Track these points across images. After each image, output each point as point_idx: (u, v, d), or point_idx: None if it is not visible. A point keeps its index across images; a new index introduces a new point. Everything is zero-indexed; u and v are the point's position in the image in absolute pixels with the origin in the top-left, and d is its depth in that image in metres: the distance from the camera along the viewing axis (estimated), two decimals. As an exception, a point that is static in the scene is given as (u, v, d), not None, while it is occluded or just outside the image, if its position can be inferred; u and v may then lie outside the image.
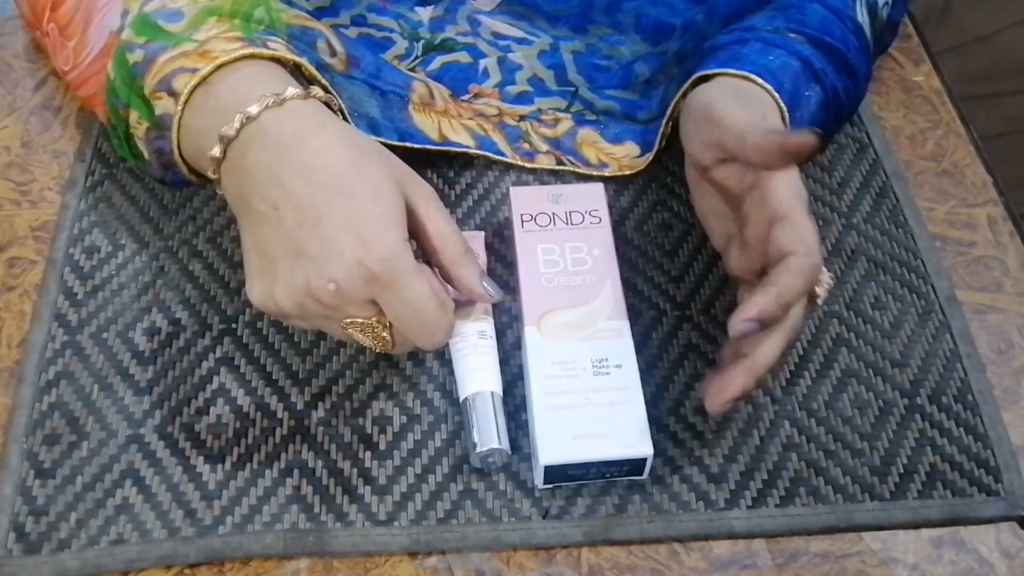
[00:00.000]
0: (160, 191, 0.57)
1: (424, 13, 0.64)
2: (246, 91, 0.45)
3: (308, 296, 0.42)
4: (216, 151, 0.45)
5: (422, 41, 0.62)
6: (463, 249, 0.46)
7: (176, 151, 0.48)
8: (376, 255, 0.41)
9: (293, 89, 0.45)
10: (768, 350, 0.44)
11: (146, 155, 0.50)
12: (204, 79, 0.46)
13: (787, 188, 0.45)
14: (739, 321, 0.42)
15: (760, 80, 0.50)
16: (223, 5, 0.49)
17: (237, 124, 0.44)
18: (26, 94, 0.62)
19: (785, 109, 0.50)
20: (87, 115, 0.61)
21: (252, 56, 0.47)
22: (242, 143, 0.44)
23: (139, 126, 0.49)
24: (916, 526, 0.47)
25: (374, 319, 0.44)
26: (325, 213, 0.42)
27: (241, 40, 0.47)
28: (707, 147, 0.48)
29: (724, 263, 0.50)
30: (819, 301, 0.46)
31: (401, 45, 0.62)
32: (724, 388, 0.43)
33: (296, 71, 0.49)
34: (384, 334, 0.44)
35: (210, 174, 0.46)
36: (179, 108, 0.46)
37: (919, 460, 0.48)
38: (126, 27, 0.49)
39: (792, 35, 0.53)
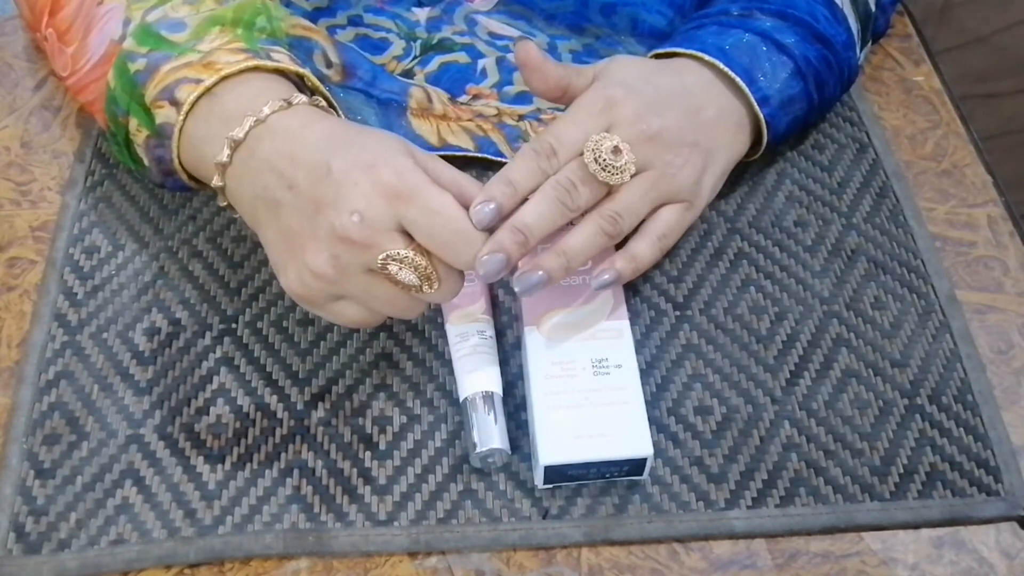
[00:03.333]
0: (160, 191, 0.57)
1: (421, 13, 0.64)
2: (251, 99, 0.46)
3: (338, 241, 0.42)
4: (224, 155, 0.45)
5: (419, 41, 0.62)
6: (478, 191, 0.45)
7: (176, 159, 0.48)
8: (389, 172, 0.42)
9: (300, 96, 0.46)
10: (574, 236, 0.46)
11: (146, 162, 0.50)
12: (208, 90, 0.46)
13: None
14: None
15: (708, 58, 0.52)
16: (226, 14, 0.49)
17: (247, 127, 0.44)
18: (26, 94, 0.62)
19: (740, 81, 0.52)
20: (87, 115, 0.61)
21: (256, 68, 0.47)
22: (249, 144, 0.45)
23: (139, 134, 0.49)
24: (916, 526, 0.47)
25: (410, 249, 0.42)
26: (333, 162, 0.42)
27: (245, 52, 0.47)
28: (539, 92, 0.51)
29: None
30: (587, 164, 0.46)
31: (398, 45, 0.62)
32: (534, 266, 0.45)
33: (299, 82, 0.50)
34: (423, 263, 0.42)
35: (215, 181, 0.46)
36: (181, 118, 0.47)
37: (919, 460, 0.48)
38: (128, 36, 0.49)
39: (755, 13, 0.54)
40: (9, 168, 0.59)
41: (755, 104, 0.52)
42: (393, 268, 0.42)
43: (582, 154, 0.46)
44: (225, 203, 0.47)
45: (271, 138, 0.44)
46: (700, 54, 0.52)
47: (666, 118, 0.48)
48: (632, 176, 0.46)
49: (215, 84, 0.46)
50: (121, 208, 0.56)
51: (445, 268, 0.43)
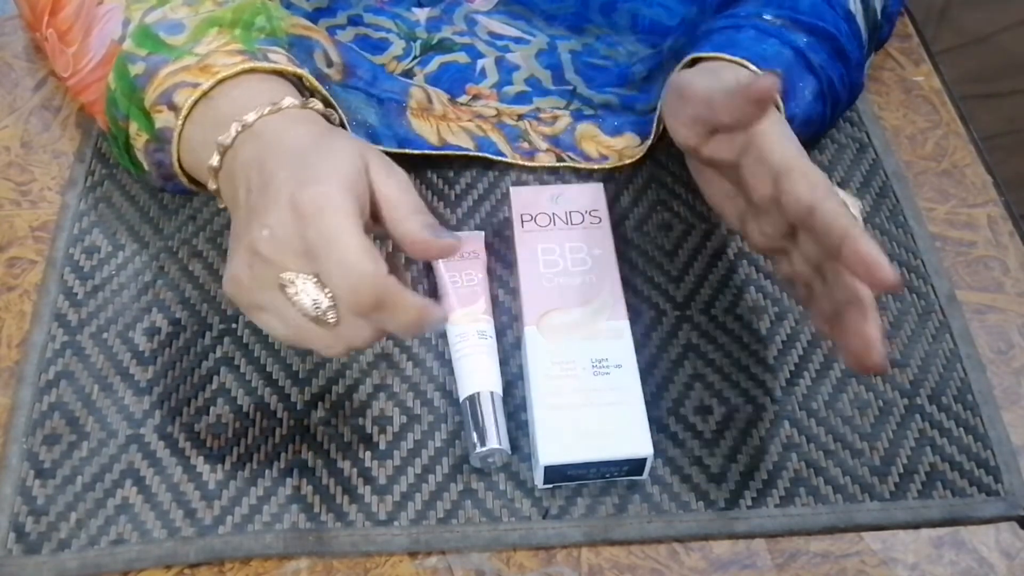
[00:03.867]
0: (161, 191, 0.57)
1: (421, 13, 0.64)
2: (246, 103, 0.45)
3: (250, 252, 0.40)
4: (214, 160, 0.45)
5: (419, 41, 0.63)
6: (410, 210, 0.42)
7: (176, 163, 0.48)
8: (307, 194, 0.39)
9: (290, 99, 0.45)
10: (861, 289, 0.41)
11: (145, 166, 0.50)
12: (205, 94, 0.46)
13: (779, 140, 0.44)
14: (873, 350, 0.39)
15: (754, 67, 0.50)
16: (224, 15, 0.49)
17: (233, 132, 0.44)
18: (26, 94, 0.62)
19: (778, 98, 0.50)
20: (87, 115, 0.61)
21: (253, 70, 0.47)
22: (235, 149, 0.44)
23: (139, 137, 0.49)
24: (916, 526, 0.47)
25: (310, 279, 0.40)
26: (278, 173, 0.41)
27: (242, 54, 0.47)
28: (687, 127, 0.48)
29: (748, 243, 0.48)
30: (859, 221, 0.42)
31: (398, 46, 0.62)
32: (870, 340, 0.40)
33: (298, 82, 0.49)
34: (319, 297, 0.40)
35: (210, 185, 0.46)
36: (179, 122, 0.46)
37: (919, 460, 0.48)
38: (127, 37, 0.49)
39: (785, 23, 0.52)
40: (9, 168, 0.59)
41: None
42: (291, 291, 0.40)
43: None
44: (223, 205, 0.47)
45: (253, 143, 0.44)
46: (745, 62, 0.50)
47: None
48: None
49: (212, 88, 0.46)
50: (121, 208, 0.56)
51: (343, 307, 0.40)
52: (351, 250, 0.38)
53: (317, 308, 0.40)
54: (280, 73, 0.48)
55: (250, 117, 0.44)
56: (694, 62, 0.52)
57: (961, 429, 0.49)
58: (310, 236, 0.39)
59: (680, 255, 0.55)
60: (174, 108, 0.47)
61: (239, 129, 0.44)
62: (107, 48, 0.50)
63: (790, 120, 0.51)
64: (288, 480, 0.47)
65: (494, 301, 0.53)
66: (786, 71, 0.51)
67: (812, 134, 0.55)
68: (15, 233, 0.56)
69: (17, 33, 0.66)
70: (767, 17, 0.53)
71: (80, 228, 0.55)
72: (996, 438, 0.49)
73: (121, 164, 0.53)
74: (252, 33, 0.49)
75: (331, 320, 0.40)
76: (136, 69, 0.48)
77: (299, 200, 0.39)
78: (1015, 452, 0.49)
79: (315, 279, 0.40)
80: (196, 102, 0.46)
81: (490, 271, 0.54)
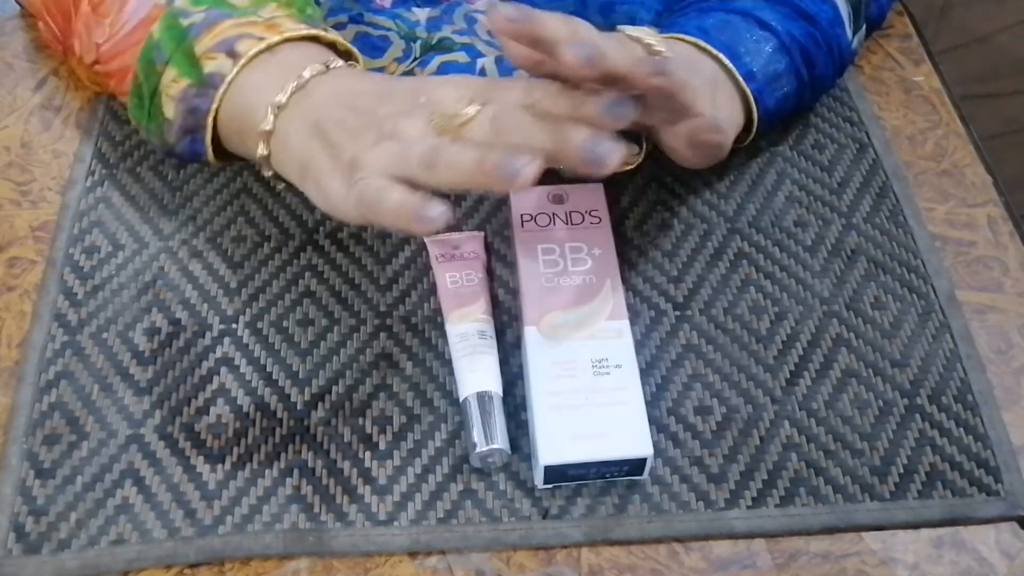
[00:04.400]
0: (160, 191, 0.57)
1: (421, 13, 0.64)
2: (313, 56, 0.49)
3: (399, 113, 0.44)
4: (282, 97, 0.47)
5: (419, 41, 0.63)
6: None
7: (213, 112, 0.50)
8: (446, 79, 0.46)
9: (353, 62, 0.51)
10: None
11: (171, 115, 0.51)
12: (269, 47, 0.49)
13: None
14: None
15: (688, 37, 0.53)
16: None
17: (313, 71, 0.48)
18: (26, 94, 0.62)
19: (723, 56, 0.53)
20: (87, 115, 0.61)
21: (316, 38, 0.51)
22: (308, 88, 0.47)
23: (175, 84, 0.50)
24: (916, 526, 0.47)
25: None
26: (395, 84, 0.46)
27: (304, 24, 0.51)
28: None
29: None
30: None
31: (398, 46, 0.62)
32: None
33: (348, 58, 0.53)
34: (456, 122, 0.44)
35: (265, 125, 0.48)
36: (236, 69, 0.49)
37: (919, 460, 0.48)
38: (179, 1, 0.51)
39: None
40: (9, 168, 0.59)
41: (740, 79, 0.52)
42: (437, 121, 0.43)
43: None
44: (266, 151, 0.49)
45: (332, 82, 0.48)
46: (681, 36, 0.53)
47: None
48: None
49: (278, 43, 0.49)
50: (121, 208, 0.56)
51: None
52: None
53: (449, 128, 0.43)
54: (334, 47, 0.52)
55: (334, 62, 0.49)
56: None
57: (961, 429, 0.49)
58: (473, 85, 0.44)
59: (680, 255, 0.55)
60: (233, 55, 0.49)
61: (319, 70, 0.48)
62: (147, 11, 0.51)
63: (750, 76, 0.53)
64: (288, 480, 0.47)
65: (494, 301, 0.53)
66: (730, 32, 0.54)
67: (793, 91, 0.56)
68: (15, 233, 0.56)
69: (17, 33, 0.66)
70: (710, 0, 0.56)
71: (80, 228, 0.55)
72: (996, 438, 0.49)
73: (137, 119, 0.53)
74: (304, 15, 0.52)
75: (470, 114, 0.43)
76: (191, 20, 0.50)
77: (445, 79, 0.45)
78: (1015, 452, 0.49)
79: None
80: (259, 53, 0.49)
81: (490, 271, 0.54)
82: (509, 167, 0.40)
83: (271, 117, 0.48)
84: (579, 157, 0.41)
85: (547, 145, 0.41)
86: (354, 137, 0.45)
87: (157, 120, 0.52)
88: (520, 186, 0.40)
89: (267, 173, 0.50)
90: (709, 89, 0.51)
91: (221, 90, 0.49)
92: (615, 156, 0.40)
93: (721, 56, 0.52)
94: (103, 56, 0.54)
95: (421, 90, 0.45)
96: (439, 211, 0.41)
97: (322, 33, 0.51)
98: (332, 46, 0.52)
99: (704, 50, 0.53)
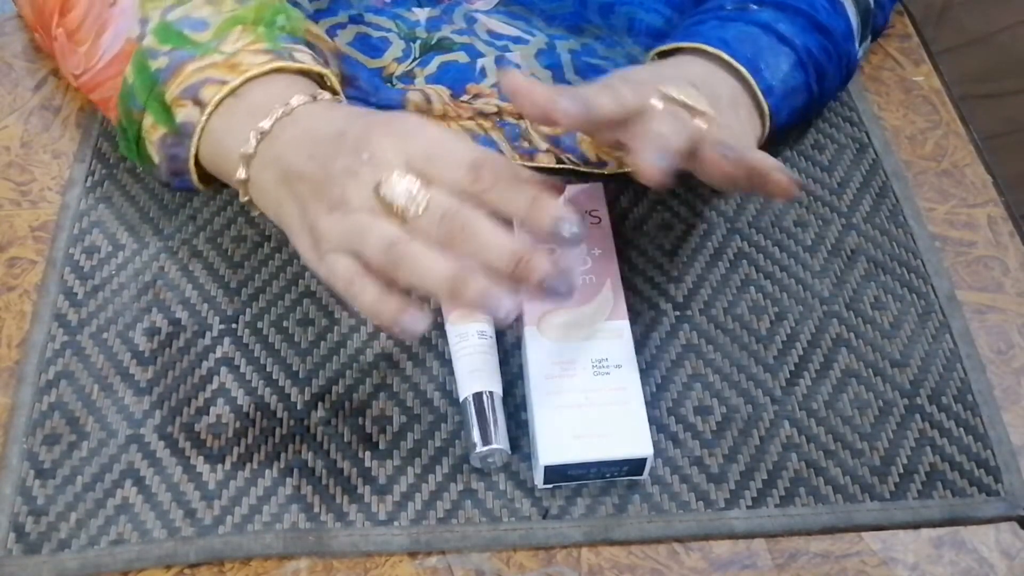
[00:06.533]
0: (160, 191, 0.57)
1: (421, 13, 0.64)
2: (277, 95, 0.47)
3: (348, 176, 0.42)
4: (250, 146, 0.46)
5: (419, 41, 0.63)
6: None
7: (191, 158, 0.49)
8: (400, 122, 0.42)
9: (323, 93, 0.48)
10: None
11: (156, 160, 0.50)
12: (233, 91, 0.47)
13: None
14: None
15: (711, 48, 0.52)
16: (247, 14, 0.50)
17: (276, 115, 0.46)
18: (26, 94, 0.62)
19: (745, 71, 0.52)
20: (87, 115, 0.61)
21: (281, 70, 0.48)
22: (274, 132, 0.46)
23: (154, 130, 0.49)
24: (916, 526, 0.47)
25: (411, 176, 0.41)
26: (349, 128, 0.43)
27: (268, 52, 0.49)
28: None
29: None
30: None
31: (398, 46, 0.62)
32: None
33: (320, 81, 0.51)
34: (415, 189, 0.41)
35: (239, 174, 0.46)
36: (204, 118, 0.47)
37: (919, 460, 0.48)
38: (148, 34, 0.49)
39: (750, 6, 0.55)
40: (9, 168, 0.59)
41: (760, 94, 0.52)
42: (386, 185, 0.41)
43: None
44: (247, 198, 0.48)
45: (294, 125, 0.45)
46: (703, 46, 0.53)
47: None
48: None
49: (239, 85, 0.47)
50: (121, 208, 0.56)
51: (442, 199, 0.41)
52: (468, 141, 0.42)
53: (412, 200, 0.40)
54: (304, 72, 0.49)
55: (293, 102, 0.46)
56: (661, 57, 0.55)
57: (961, 429, 0.49)
58: (419, 143, 0.41)
59: (680, 255, 0.55)
60: (199, 103, 0.47)
61: (280, 114, 0.46)
62: (121, 46, 0.50)
63: (769, 91, 0.53)
64: (288, 480, 0.47)
65: (494, 301, 0.53)
66: (752, 45, 0.53)
67: (802, 104, 0.56)
68: (15, 233, 0.56)
69: (17, 33, 0.66)
70: (727, 7, 0.55)
71: (80, 228, 0.55)
72: (996, 438, 0.49)
73: (128, 156, 0.53)
74: (275, 31, 0.50)
75: (420, 205, 0.40)
76: (157, 63, 0.49)
77: (394, 126, 0.42)
78: (1015, 452, 0.49)
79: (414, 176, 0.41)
80: (223, 99, 0.47)
81: (490, 271, 0.54)
82: (495, 299, 0.39)
83: (242, 168, 0.47)
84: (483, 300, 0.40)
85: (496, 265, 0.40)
86: (314, 195, 0.43)
87: (146, 163, 0.52)
88: (499, 319, 0.39)
89: (255, 214, 0.50)
90: (733, 116, 0.50)
91: (195, 139, 0.48)
92: (505, 310, 0.39)
93: (743, 70, 0.52)
94: (83, 85, 0.54)
95: (364, 143, 0.42)
96: (419, 322, 0.40)
97: (285, 64, 0.48)
98: (301, 73, 0.50)
99: (725, 64, 0.52)
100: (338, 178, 0.42)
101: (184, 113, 0.48)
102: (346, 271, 0.41)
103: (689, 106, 0.47)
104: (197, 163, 0.49)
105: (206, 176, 0.51)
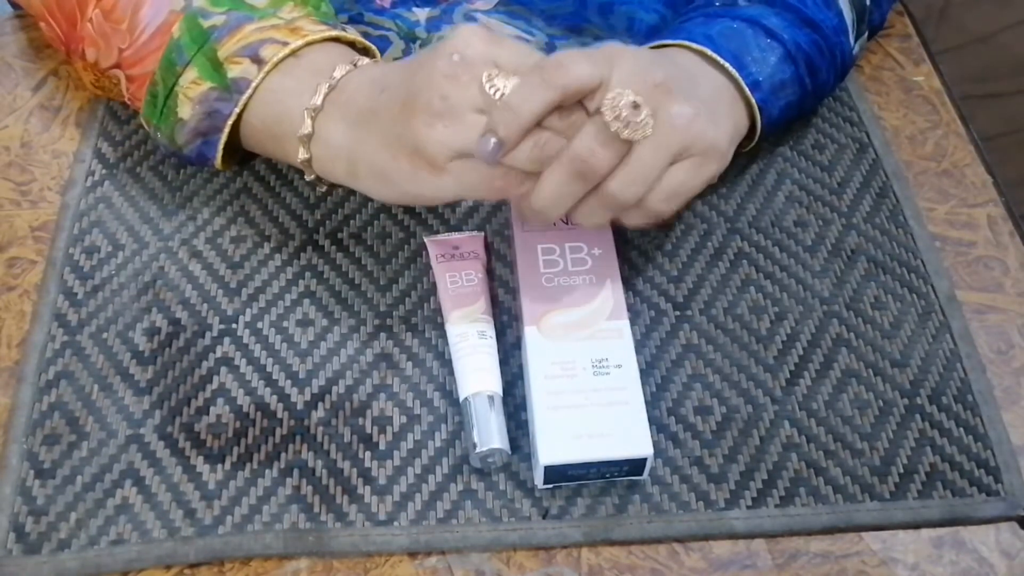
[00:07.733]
0: (160, 191, 0.57)
1: (421, 13, 0.64)
2: (339, 57, 0.50)
3: (443, 80, 0.43)
4: (317, 99, 0.48)
5: (419, 41, 0.63)
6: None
7: (233, 115, 0.50)
8: (469, 32, 0.45)
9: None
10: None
11: (186, 115, 0.51)
12: (294, 52, 0.50)
13: None
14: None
15: (695, 45, 0.52)
16: None
17: (342, 71, 0.49)
18: (26, 94, 0.62)
19: (729, 66, 0.52)
20: (87, 115, 0.61)
21: (336, 39, 0.52)
22: (340, 86, 0.48)
23: (195, 86, 0.51)
24: (916, 526, 0.47)
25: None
26: (416, 58, 0.46)
27: (324, 24, 0.52)
28: None
29: None
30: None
31: (397, 46, 0.62)
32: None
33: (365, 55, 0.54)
34: (508, 82, 0.43)
35: (304, 129, 0.48)
36: (261, 75, 0.50)
37: (919, 460, 0.48)
38: (198, 1, 0.51)
39: (741, 2, 0.55)
40: (9, 168, 0.59)
41: (746, 89, 0.52)
42: (499, 83, 0.43)
43: (600, 112, 0.44)
44: (307, 156, 0.49)
45: (360, 74, 0.49)
46: (687, 43, 0.53)
47: (668, 70, 0.46)
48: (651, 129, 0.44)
49: (301, 47, 0.50)
50: (121, 208, 0.56)
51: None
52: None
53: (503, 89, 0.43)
54: (353, 45, 0.53)
55: (358, 61, 0.50)
56: None
57: (961, 429, 0.49)
58: (497, 48, 0.44)
59: (680, 255, 0.55)
60: (258, 61, 0.50)
61: (347, 69, 0.49)
62: (164, 18, 0.52)
63: (756, 85, 0.53)
64: (288, 480, 0.47)
65: (494, 301, 0.53)
66: (737, 40, 0.53)
67: (796, 99, 0.56)
68: (15, 233, 0.56)
69: (17, 33, 0.66)
70: (715, 3, 0.56)
71: (80, 228, 0.55)
72: (996, 438, 0.49)
73: (148, 116, 0.53)
74: (320, 13, 0.53)
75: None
76: (211, 22, 0.51)
77: (468, 34, 0.44)
78: (1015, 452, 0.49)
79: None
80: (284, 58, 0.50)
81: (490, 271, 0.54)
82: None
83: (308, 120, 0.48)
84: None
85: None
86: (407, 116, 0.44)
87: (169, 120, 0.52)
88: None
89: (309, 177, 0.51)
90: (704, 109, 0.47)
91: (247, 95, 0.50)
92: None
93: (727, 66, 0.52)
94: (124, 62, 0.54)
95: (446, 49, 0.44)
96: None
97: (342, 33, 0.52)
98: (352, 45, 0.53)
99: (710, 59, 0.52)
100: (434, 93, 0.43)
101: (240, 70, 0.50)
102: (489, 174, 0.44)
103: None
104: (234, 128, 0.51)
105: (227, 146, 0.52)
